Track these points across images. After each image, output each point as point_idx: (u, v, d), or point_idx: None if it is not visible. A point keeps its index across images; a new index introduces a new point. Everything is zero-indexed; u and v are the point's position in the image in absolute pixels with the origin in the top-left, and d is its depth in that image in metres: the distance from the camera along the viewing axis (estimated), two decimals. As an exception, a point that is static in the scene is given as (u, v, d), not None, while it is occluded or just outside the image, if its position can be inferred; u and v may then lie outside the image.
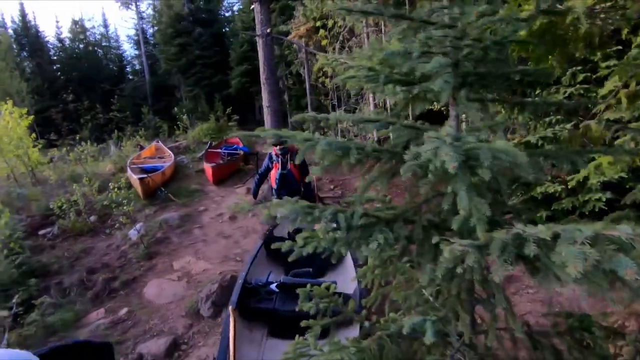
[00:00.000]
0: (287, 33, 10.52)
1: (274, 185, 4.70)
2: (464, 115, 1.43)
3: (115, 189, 5.57)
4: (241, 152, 9.50)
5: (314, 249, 0.98)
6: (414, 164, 0.78)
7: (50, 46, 23.33)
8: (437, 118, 1.62)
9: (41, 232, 6.00)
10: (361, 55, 1.06)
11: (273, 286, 3.15)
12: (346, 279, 3.16)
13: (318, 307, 1.33)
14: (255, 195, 4.89)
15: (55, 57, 23.07)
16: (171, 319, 3.90)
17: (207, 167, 7.89)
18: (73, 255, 5.28)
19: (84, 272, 4.87)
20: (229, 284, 4.20)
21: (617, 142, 2.23)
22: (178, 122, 13.21)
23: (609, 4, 1.08)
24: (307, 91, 11.64)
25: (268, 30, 5.77)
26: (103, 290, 4.59)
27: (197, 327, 3.73)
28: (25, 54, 22.16)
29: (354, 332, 2.28)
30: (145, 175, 6.85)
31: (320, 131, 11.70)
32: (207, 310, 3.87)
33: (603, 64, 4.02)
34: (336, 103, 10.60)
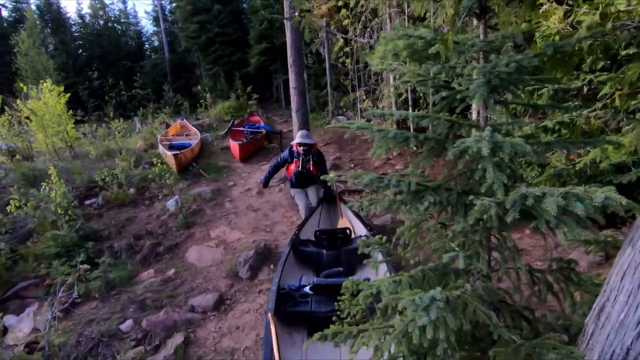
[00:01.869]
0: (308, 11, 10.63)
1: (290, 177, 4.95)
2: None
3: (159, 164, 6.04)
4: (263, 131, 9.90)
5: (370, 204, 1.34)
6: (459, 149, 1.13)
7: (72, 22, 23.72)
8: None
9: (87, 202, 6.56)
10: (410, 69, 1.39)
11: (307, 289, 3.17)
12: (378, 275, 3.11)
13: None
14: (266, 184, 5.16)
15: (76, 34, 23.49)
16: (214, 279, 4.42)
17: (234, 145, 8.32)
18: (119, 223, 5.83)
19: (131, 238, 5.42)
20: (262, 250, 4.70)
21: (624, 129, 2.52)
22: (201, 100, 13.56)
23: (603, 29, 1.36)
24: (327, 71, 11.83)
25: (297, 14, 6.01)
26: (150, 254, 5.14)
27: (238, 287, 4.24)
28: (48, 30, 22.61)
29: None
30: (178, 152, 7.32)
31: (339, 111, 11.96)
32: (245, 272, 4.38)
33: (623, 52, 4.18)
34: (356, 83, 10.79)
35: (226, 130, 10.60)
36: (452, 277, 1.36)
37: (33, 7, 22.42)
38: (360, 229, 4.57)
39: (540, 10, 1.60)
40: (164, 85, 17.70)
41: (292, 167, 4.80)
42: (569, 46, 1.28)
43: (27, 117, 8.61)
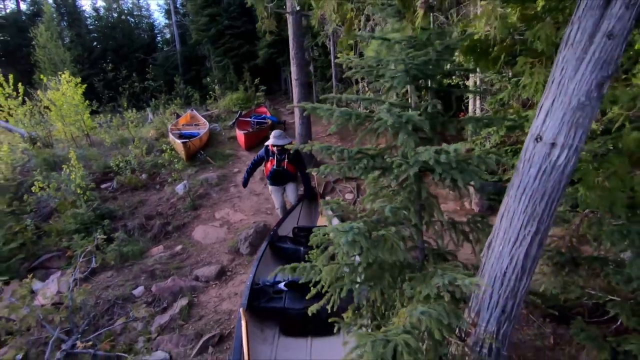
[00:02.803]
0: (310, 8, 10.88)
1: (267, 175, 4.91)
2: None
3: (168, 150, 6.48)
4: (269, 121, 10.28)
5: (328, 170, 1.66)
6: (381, 121, 1.47)
7: (87, 15, 24.35)
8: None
9: (103, 186, 7.06)
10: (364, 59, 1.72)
11: (281, 285, 3.14)
12: None
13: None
14: (245, 184, 5.06)
15: (91, 27, 24.11)
16: (217, 254, 4.84)
17: (240, 134, 8.72)
18: (132, 205, 6.30)
19: (143, 218, 5.88)
20: (262, 229, 5.10)
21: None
22: (210, 92, 13.97)
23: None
24: (332, 63, 12.09)
25: (298, 8, 6.31)
26: (159, 232, 5.61)
27: (238, 261, 4.66)
28: (64, 23, 23.26)
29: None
30: (187, 140, 7.75)
31: (344, 104, 12.23)
32: (245, 248, 4.79)
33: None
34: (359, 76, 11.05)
35: (234, 120, 11.00)
36: (387, 224, 1.71)
37: (50, 0, 23.09)
38: None
39: (479, 13, 1.89)
40: (175, 77, 18.16)
41: (268, 165, 4.78)
42: (457, 44, 1.59)
43: (47, 107, 9.14)
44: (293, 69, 6.83)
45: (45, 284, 4.29)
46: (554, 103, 1.24)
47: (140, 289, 4.11)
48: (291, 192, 5.04)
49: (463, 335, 1.54)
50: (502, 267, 1.41)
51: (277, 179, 4.85)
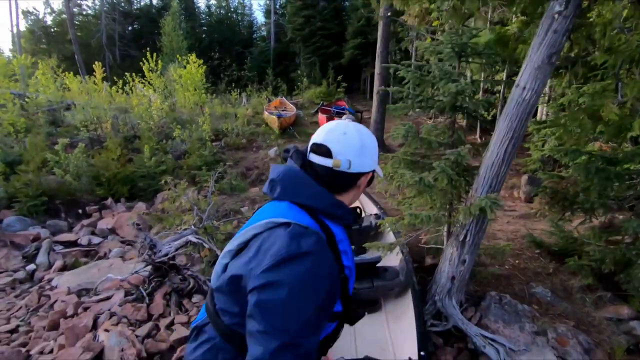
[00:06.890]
0: (402, 11, 11.99)
1: None
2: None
3: (264, 124, 8.16)
4: (347, 112, 11.66)
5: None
6: (435, 74, 2.62)
7: (201, 11, 28.25)
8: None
9: (214, 143, 8.97)
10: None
11: None
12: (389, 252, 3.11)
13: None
14: None
15: (203, 21, 27.89)
16: (299, 197, 6.27)
17: (322, 117, 10.22)
18: (236, 159, 8.07)
19: (244, 169, 7.58)
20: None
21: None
22: (298, 83, 15.82)
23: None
24: (412, 67, 13.06)
25: (389, 14, 7.53)
26: (256, 179, 7.23)
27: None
28: (182, 17, 27.27)
29: (406, 300, 2.65)
30: (281, 116, 9.43)
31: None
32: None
33: None
34: (435, 79, 11.91)
35: (316, 109, 12.61)
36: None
37: (174, -4, 27.22)
38: (370, 208, 4.64)
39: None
40: (267, 69, 20.49)
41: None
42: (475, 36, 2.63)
43: (174, 81, 11.54)
44: (377, 63, 8.07)
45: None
46: (526, 67, 2.27)
47: (245, 208, 5.67)
48: None
49: (467, 201, 2.62)
50: (492, 160, 2.43)
51: None
